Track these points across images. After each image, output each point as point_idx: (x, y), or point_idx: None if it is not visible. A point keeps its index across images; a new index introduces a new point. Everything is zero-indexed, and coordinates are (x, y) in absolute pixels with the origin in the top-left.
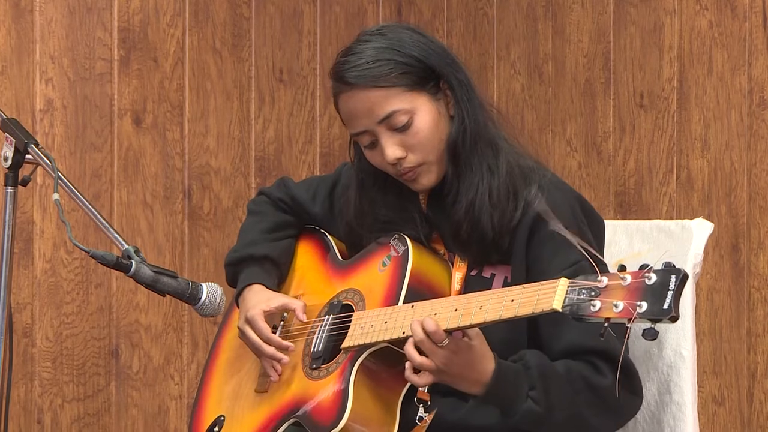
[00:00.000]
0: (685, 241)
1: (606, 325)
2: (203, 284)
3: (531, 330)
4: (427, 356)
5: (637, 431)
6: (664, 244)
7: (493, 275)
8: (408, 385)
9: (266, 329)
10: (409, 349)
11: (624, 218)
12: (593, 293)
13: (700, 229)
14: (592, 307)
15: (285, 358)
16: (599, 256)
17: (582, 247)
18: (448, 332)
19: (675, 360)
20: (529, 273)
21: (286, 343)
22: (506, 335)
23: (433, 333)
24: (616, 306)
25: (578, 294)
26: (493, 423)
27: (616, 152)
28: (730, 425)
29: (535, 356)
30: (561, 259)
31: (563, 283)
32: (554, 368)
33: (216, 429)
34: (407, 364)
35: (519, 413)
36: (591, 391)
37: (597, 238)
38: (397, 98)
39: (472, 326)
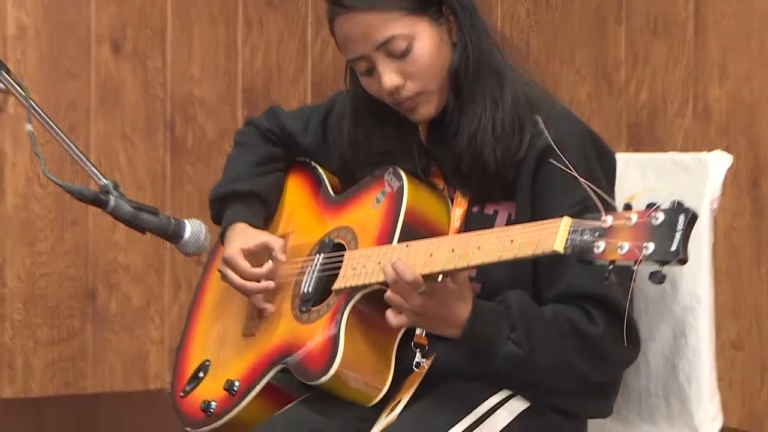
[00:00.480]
0: (701, 175)
1: (611, 267)
2: (186, 221)
3: (534, 268)
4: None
5: (650, 377)
6: (679, 179)
7: (496, 212)
8: (404, 328)
9: (246, 267)
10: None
11: (637, 152)
12: (597, 234)
13: (718, 162)
14: (595, 248)
15: (271, 283)
16: (606, 196)
17: (588, 185)
18: (432, 277)
19: (691, 302)
20: (534, 210)
21: (268, 267)
22: (510, 273)
23: (412, 282)
24: (621, 247)
25: (581, 234)
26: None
27: (629, 82)
28: (748, 371)
29: (518, 297)
30: (568, 195)
31: (565, 222)
32: (539, 310)
33: (201, 374)
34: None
35: (500, 356)
36: (578, 338)
37: (607, 175)
38: (396, 22)
39: (469, 268)
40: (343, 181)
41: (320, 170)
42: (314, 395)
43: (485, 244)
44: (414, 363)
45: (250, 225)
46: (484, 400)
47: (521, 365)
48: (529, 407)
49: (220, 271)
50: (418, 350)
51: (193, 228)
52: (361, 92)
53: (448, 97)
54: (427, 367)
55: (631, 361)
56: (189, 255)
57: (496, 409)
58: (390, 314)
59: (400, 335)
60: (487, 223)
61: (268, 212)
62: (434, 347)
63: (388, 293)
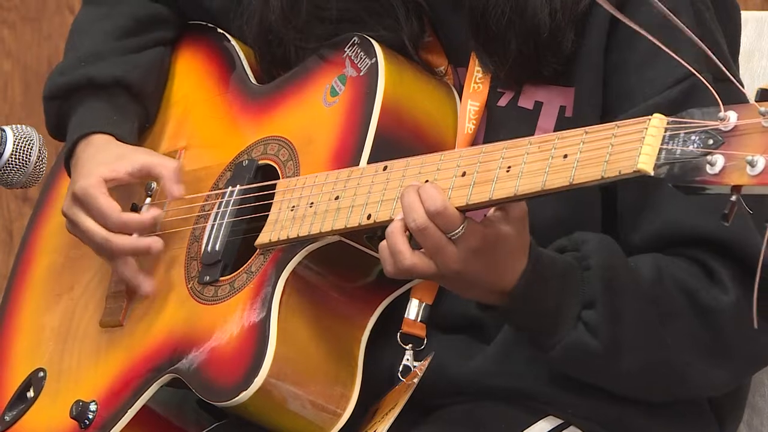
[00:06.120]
0: None
1: (733, 198)
2: (6, 128)
3: (605, 201)
4: (422, 250)
5: None
6: None
7: (539, 105)
8: (378, 311)
9: (112, 207)
10: (396, 234)
11: None
12: (711, 141)
13: None
14: (708, 166)
15: (156, 241)
16: (728, 72)
17: (698, 53)
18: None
19: None
20: (607, 97)
21: (151, 212)
22: (559, 211)
23: (440, 214)
24: (752, 164)
25: (683, 142)
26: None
27: None
28: None
29: (601, 247)
30: (662, 69)
31: (657, 122)
32: (635, 271)
33: (31, 394)
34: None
35: (559, 345)
36: (699, 316)
37: (728, 39)
38: None
39: (491, 204)
40: (269, 62)
41: (234, 43)
42: (227, 425)
43: (520, 163)
44: (399, 368)
45: (117, 138)
46: None
47: (591, 366)
48: None
49: (66, 216)
50: (408, 346)
51: (18, 139)
52: None
53: None
54: (420, 374)
55: None
56: (11, 186)
57: None
58: (399, 246)
59: (371, 323)
60: (525, 122)
61: (144, 114)
62: (435, 343)
63: (396, 234)
